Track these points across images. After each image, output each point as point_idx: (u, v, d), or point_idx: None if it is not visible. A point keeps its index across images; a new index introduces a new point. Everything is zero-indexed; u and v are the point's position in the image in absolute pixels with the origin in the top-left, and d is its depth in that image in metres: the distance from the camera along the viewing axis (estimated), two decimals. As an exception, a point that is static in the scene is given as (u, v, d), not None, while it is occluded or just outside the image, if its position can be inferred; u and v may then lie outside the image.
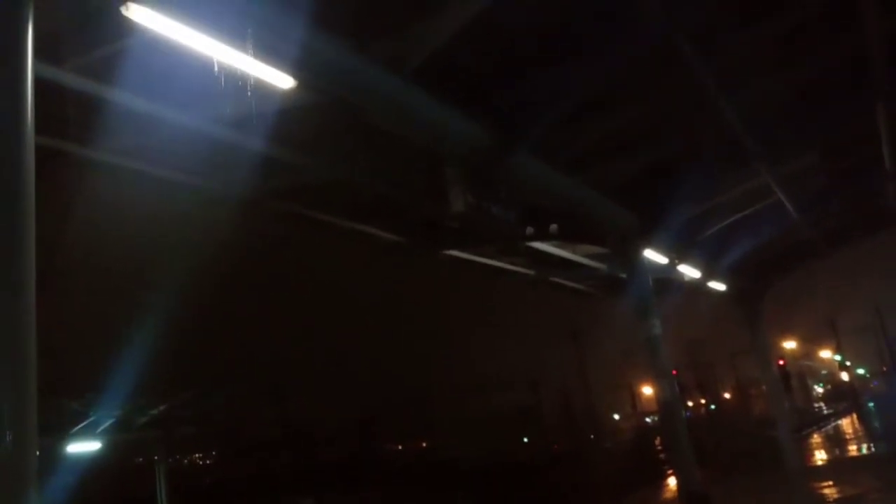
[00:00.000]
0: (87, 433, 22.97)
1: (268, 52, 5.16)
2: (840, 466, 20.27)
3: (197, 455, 42.55)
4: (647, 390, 48.29)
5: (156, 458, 28.98)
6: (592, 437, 41.20)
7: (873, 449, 24.98)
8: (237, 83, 5.34)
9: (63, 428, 22.06)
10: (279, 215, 9.89)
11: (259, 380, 38.25)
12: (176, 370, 30.01)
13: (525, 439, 52.06)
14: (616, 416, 66.43)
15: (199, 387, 28.28)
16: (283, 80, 5.58)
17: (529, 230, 10.69)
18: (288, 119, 6.56)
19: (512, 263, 13.78)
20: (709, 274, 16.77)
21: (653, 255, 13.32)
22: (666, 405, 11.96)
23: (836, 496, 14.43)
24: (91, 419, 22.14)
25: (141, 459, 32.84)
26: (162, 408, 24.54)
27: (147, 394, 24.48)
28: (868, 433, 31.57)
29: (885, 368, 60.45)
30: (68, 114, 5.97)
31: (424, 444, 55.29)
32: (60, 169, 6.76)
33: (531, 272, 14.29)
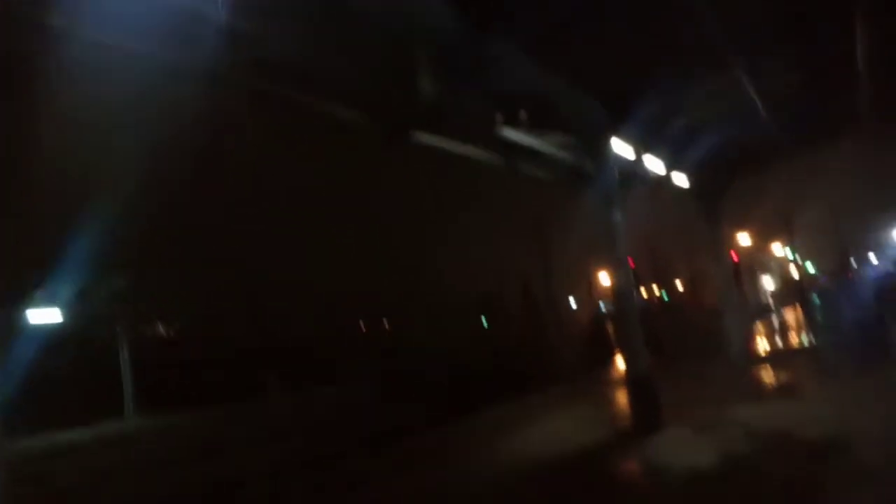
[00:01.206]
0: (47, 303, 23.06)
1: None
2: (782, 356, 21.42)
3: (160, 328, 42.87)
4: (605, 280, 49.63)
5: (118, 329, 29.36)
6: (550, 323, 42.57)
7: (814, 341, 26.35)
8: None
9: (22, 297, 22.08)
10: (242, 92, 9.60)
11: (220, 264, 38.20)
12: (134, 249, 29.76)
13: (486, 325, 53.70)
14: (573, 304, 68.54)
15: (158, 266, 28.31)
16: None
17: (499, 117, 10.60)
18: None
19: (479, 151, 13.70)
20: (673, 168, 16.95)
21: (620, 148, 13.39)
22: (620, 293, 12.38)
23: (774, 383, 15.35)
24: (51, 289, 22.16)
25: (104, 332, 33.08)
26: (122, 282, 24.59)
27: (107, 269, 24.44)
28: (811, 326, 33.18)
29: (833, 265, 62.84)
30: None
31: (387, 327, 56.67)
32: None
33: (498, 160, 14.25)
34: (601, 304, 58.86)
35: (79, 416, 27.62)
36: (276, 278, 41.56)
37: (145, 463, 17.71)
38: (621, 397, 14.47)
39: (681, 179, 18.14)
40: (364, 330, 54.91)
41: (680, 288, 69.44)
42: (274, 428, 20.81)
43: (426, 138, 11.91)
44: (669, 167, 16.66)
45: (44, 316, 23.79)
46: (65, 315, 24.77)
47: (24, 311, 22.31)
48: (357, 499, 9.84)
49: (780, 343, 26.37)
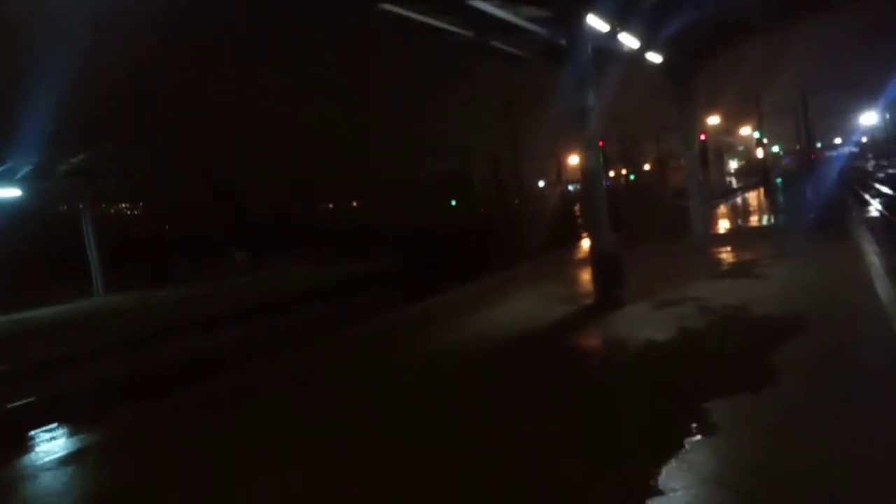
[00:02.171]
0: (5, 180, 22.43)
1: None
2: (742, 235, 21.95)
3: (124, 205, 42.22)
4: (574, 160, 49.61)
5: (80, 206, 28.83)
6: (517, 202, 42.83)
7: (773, 221, 27.02)
8: None
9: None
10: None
11: (187, 141, 37.20)
12: (97, 122, 28.81)
13: (454, 203, 53.83)
14: (542, 184, 68.83)
15: (121, 141, 27.46)
16: None
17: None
18: None
19: (451, 24, 13.22)
20: (647, 45, 16.60)
21: (594, 22, 13.01)
22: (589, 174, 12.39)
23: (732, 260, 15.79)
24: (8, 165, 21.48)
25: (65, 208, 32.51)
26: (82, 157, 23.90)
27: (66, 143, 23.70)
28: (771, 206, 33.92)
29: (798, 147, 63.54)
30: None
31: (356, 204, 56.56)
32: None
33: (470, 34, 13.79)
34: (569, 186, 59.27)
35: (45, 295, 27.62)
36: (246, 157, 40.84)
37: (128, 338, 17.91)
38: (586, 275, 14.81)
39: (654, 58, 17.84)
40: (331, 208, 54.79)
41: (647, 168, 69.91)
42: (237, 307, 21.05)
43: (395, 8, 11.42)
44: (644, 43, 16.31)
45: (3, 193, 23.19)
46: (24, 192, 24.17)
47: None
48: (327, 379, 10.07)
49: (742, 223, 26.96)
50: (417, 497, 5.14)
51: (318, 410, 7.78)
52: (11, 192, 23.61)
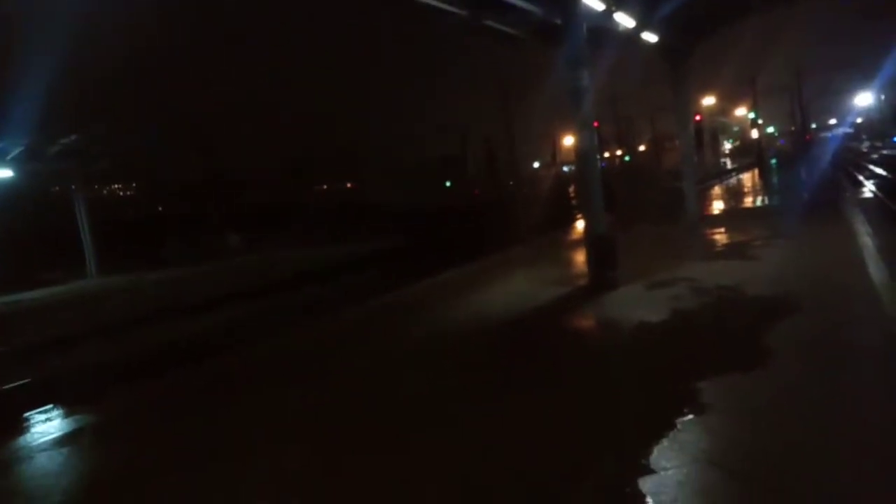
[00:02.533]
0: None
1: None
2: (736, 216, 21.99)
3: (116, 187, 41.95)
4: (568, 141, 49.54)
5: (73, 187, 28.68)
6: (512, 184, 42.79)
7: (767, 202, 27.06)
8: None
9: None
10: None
11: (181, 122, 36.94)
12: (89, 103, 28.59)
13: (448, 185, 53.74)
14: (536, 165, 68.71)
15: (114, 122, 27.29)
16: None
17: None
18: None
19: (445, 2, 13.09)
20: (642, 25, 16.50)
21: (590, 1, 12.92)
22: (583, 155, 12.36)
23: (725, 241, 15.84)
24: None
25: (57, 189, 32.34)
26: (74, 138, 23.72)
27: (58, 124, 23.52)
28: (766, 188, 33.95)
29: (793, 128, 63.52)
30: None
31: (350, 185, 56.40)
32: None
33: (464, 13, 13.67)
34: (564, 167, 59.17)
35: (37, 278, 27.54)
36: (241, 139, 40.63)
37: (122, 320, 17.88)
38: (579, 257, 14.83)
39: (649, 38, 17.74)
40: (325, 191, 54.64)
41: (642, 149, 69.80)
42: (231, 289, 21.03)
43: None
44: (638, 25, 16.21)
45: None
46: (16, 173, 24.01)
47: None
48: (321, 362, 10.09)
49: (736, 204, 26.99)
50: (412, 481, 5.17)
51: (313, 394, 7.79)
52: (3, 174, 23.45)
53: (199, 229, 36.67)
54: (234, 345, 11.69)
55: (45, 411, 9.02)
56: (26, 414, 8.95)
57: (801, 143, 56.28)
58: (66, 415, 8.47)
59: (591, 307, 10.64)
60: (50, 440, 7.34)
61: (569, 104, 12.03)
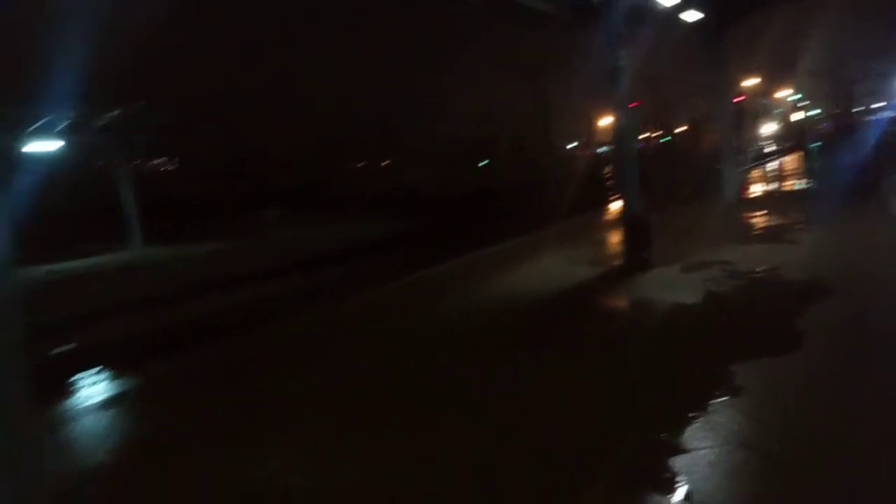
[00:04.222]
0: (44, 133, 22.78)
1: None
2: (774, 200, 21.65)
3: (159, 161, 42.52)
4: (605, 122, 49.06)
5: (116, 161, 29.29)
6: (546, 165, 42.55)
7: (807, 185, 26.55)
8: None
9: (19, 128, 21.81)
10: None
11: (220, 98, 37.30)
12: (133, 78, 29.03)
13: (482, 165, 53.56)
14: (571, 147, 68.08)
15: (157, 97, 27.71)
16: None
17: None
18: None
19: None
20: (682, 4, 16.24)
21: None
22: (620, 135, 12.31)
23: (762, 224, 15.64)
24: (46, 119, 21.78)
25: (101, 163, 33.01)
26: (118, 112, 24.16)
27: (102, 98, 23.97)
28: (807, 171, 33.26)
29: (835, 111, 61.95)
30: None
31: (384, 164, 56.49)
32: None
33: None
34: (600, 148, 58.56)
35: (82, 248, 28.24)
36: (277, 117, 40.96)
37: (164, 292, 18.30)
38: (614, 238, 14.80)
39: (689, 17, 17.45)
40: (360, 169, 54.80)
41: (680, 130, 68.74)
42: (269, 264, 21.32)
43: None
44: (678, 3, 15.96)
45: (44, 146, 23.58)
46: (63, 146, 24.54)
47: (21, 141, 22.06)
48: (356, 336, 10.26)
49: (775, 187, 26.54)
50: (433, 460, 5.24)
51: (337, 372, 7.97)
52: (51, 146, 23.99)
53: (237, 205, 37.18)
54: (258, 323, 11.90)
55: (90, 376, 9.36)
56: (72, 379, 9.29)
57: (844, 126, 54.92)
58: (111, 380, 8.84)
59: (625, 288, 10.65)
60: (94, 404, 7.73)
61: (606, 84, 11.97)
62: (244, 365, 8.74)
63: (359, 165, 54.57)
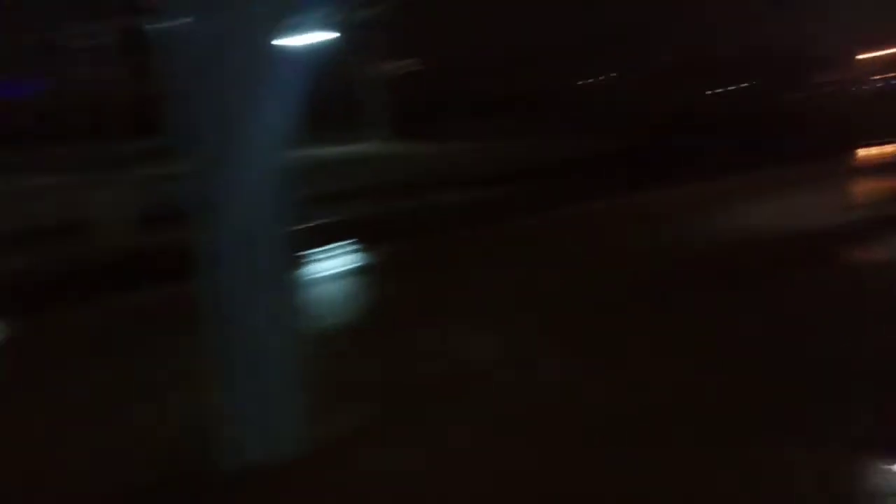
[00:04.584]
0: (302, 29, 24.80)
1: None
2: None
3: (408, 62, 44.02)
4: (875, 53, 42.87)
5: (368, 58, 30.81)
6: (799, 95, 38.11)
7: None
8: None
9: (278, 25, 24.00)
10: None
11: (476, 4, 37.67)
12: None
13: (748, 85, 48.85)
14: (838, 76, 59.85)
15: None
16: None
17: None
18: None
19: None
20: None
21: None
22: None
23: None
24: (304, 16, 23.69)
25: (354, 58, 35.11)
26: (379, 9, 25.56)
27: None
28: None
29: None
30: None
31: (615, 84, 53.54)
32: None
33: None
34: (873, 80, 51.26)
35: (332, 137, 30.78)
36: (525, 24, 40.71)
37: (398, 181, 19.90)
38: (873, 184, 13.12)
39: None
40: (588, 85, 52.49)
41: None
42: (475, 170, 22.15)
43: None
44: None
45: (308, 38, 25.65)
46: (323, 41, 26.37)
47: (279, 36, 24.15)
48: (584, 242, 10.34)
49: None
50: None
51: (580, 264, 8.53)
52: (319, 37, 25.98)
53: (474, 110, 38.10)
54: (483, 218, 12.86)
55: (334, 249, 10.65)
56: (315, 251, 10.53)
57: None
58: (351, 253, 10.49)
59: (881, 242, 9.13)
60: (335, 273, 9.27)
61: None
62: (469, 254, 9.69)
63: (589, 81, 52.35)
